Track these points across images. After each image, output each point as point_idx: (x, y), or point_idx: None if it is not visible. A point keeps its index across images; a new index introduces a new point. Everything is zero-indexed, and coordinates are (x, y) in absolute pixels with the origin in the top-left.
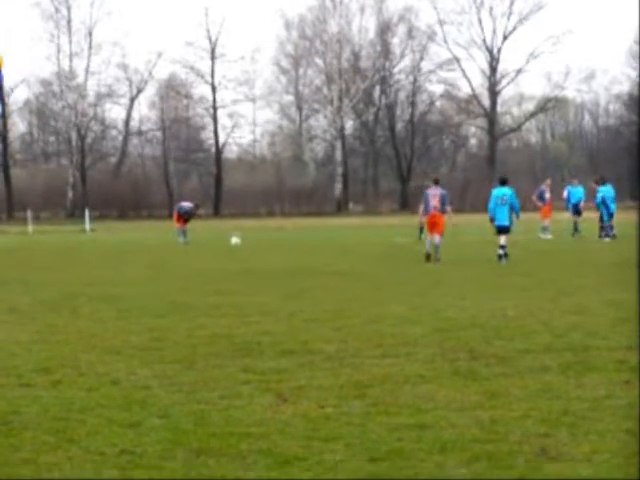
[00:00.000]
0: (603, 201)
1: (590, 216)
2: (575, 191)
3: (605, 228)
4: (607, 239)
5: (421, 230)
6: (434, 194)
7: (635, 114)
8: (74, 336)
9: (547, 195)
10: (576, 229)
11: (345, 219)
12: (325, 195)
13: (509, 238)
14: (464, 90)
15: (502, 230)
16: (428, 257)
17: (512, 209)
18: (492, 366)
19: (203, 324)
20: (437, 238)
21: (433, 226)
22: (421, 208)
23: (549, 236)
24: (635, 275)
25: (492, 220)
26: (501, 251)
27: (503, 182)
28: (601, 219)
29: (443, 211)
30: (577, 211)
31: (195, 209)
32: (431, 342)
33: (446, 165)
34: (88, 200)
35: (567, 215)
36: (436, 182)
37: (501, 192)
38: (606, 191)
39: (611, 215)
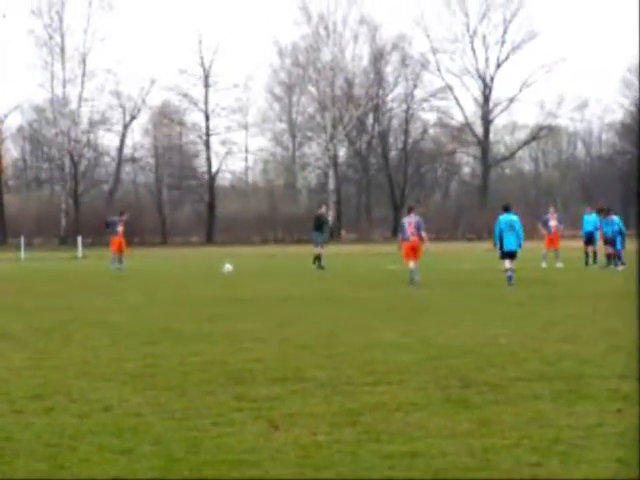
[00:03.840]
0: (620, 230)
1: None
2: (589, 220)
3: (620, 256)
4: (621, 267)
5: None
6: (409, 222)
7: (628, 143)
8: (66, 362)
9: (552, 223)
10: (593, 260)
11: (338, 246)
12: None
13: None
14: (457, 118)
15: (511, 255)
16: (416, 284)
17: (517, 236)
18: (484, 394)
19: (195, 351)
20: (414, 263)
21: (412, 253)
22: (400, 236)
23: (544, 265)
24: (630, 305)
25: (500, 246)
26: (510, 273)
27: (507, 209)
28: (616, 247)
29: (420, 238)
30: (590, 240)
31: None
32: (423, 369)
33: (439, 193)
34: (81, 227)
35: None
36: (410, 210)
37: (509, 218)
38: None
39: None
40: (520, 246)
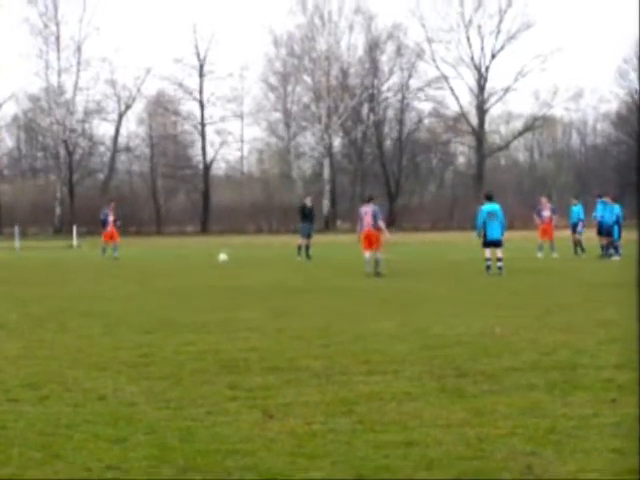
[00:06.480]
0: (618, 219)
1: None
2: (575, 210)
3: (617, 247)
4: (617, 257)
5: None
6: (366, 211)
7: (624, 133)
8: (61, 352)
9: (545, 213)
10: (581, 249)
11: (333, 236)
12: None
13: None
14: (452, 108)
15: (496, 244)
16: (369, 275)
17: (500, 225)
18: (479, 384)
19: (190, 340)
20: (378, 254)
21: (369, 242)
22: (358, 226)
23: (540, 255)
24: (626, 295)
25: (482, 235)
26: (489, 263)
27: (490, 198)
28: (613, 237)
29: (376, 227)
30: (575, 230)
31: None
32: (418, 359)
33: (434, 183)
34: (76, 216)
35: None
36: (369, 199)
37: (491, 208)
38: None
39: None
40: (503, 234)
